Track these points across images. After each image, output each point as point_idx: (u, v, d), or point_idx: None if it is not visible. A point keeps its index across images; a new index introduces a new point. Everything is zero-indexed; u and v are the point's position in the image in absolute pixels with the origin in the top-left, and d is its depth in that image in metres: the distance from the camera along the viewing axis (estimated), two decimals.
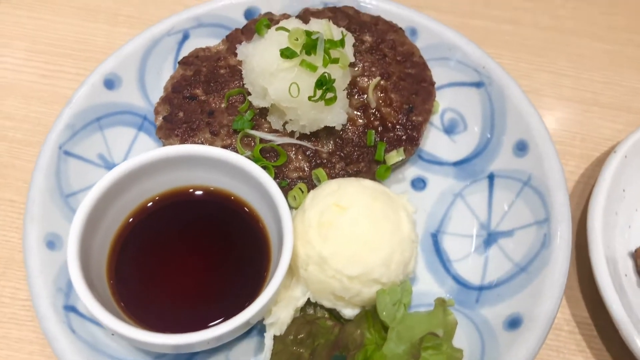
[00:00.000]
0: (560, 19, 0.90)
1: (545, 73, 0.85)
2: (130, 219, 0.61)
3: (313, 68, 0.61)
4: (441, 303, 0.57)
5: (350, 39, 0.66)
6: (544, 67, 0.85)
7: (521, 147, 0.69)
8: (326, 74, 0.61)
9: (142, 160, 0.59)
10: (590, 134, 0.79)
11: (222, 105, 0.68)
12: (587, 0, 0.92)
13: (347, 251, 0.57)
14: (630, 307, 0.63)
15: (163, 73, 0.74)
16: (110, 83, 0.71)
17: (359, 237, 0.58)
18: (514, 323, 0.59)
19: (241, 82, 0.68)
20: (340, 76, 0.64)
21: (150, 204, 0.62)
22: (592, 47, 0.87)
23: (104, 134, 0.70)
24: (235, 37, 0.72)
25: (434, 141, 0.74)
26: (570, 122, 0.80)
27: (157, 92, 0.72)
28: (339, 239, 0.58)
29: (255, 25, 0.68)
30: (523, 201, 0.67)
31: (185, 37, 0.76)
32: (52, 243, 0.61)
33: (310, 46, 0.61)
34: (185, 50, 0.74)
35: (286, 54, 0.61)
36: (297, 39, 0.62)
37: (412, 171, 0.72)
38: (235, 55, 0.70)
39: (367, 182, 0.62)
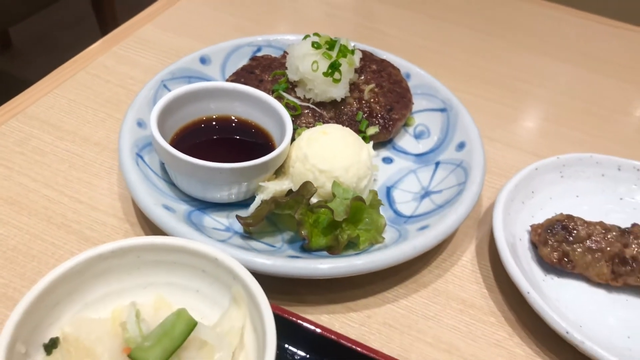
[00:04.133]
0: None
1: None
2: (192, 120, 0.95)
3: (329, 57, 0.97)
4: (374, 194, 0.85)
5: (358, 54, 1.03)
6: (508, 142, 1.17)
7: (461, 146, 0.99)
8: (337, 62, 0.97)
9: (206, 84, 0.94)
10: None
11: (269, 78, 1.04)
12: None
13: (322, 153, 0.87)
14: (515, 252, 0.86)
15: (239, 65, 1.12)
16: (203, 60, 1.10)
17: (331, 147, 0.88)
18: (422, 228, 0.85)
19: (285, 69, 1.04)
20: (346, 69, 0.99)
21: (214, 116, 0.96)
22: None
23: None
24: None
25: (405, 141, 1.06)
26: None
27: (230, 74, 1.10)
28: (319, 146, 0.88)
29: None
30: (454, 175, 0.95)
31: (259, 49, 1.15)
32: (140, 123, 0.95)
33: (331, 44, 0.98)
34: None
35: (315, 45, 0.98)
36: (324, 42, 0.99)
37: (385, 153, 1.04)
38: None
39: (348, 129, 0.94)
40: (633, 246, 0.85)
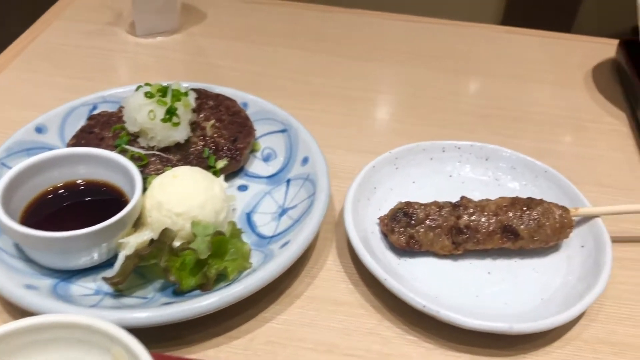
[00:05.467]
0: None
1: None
2: (38, 193, 0.94)
3: (164, 103, 1.01)
4: (233, 224, 0.91)
5: (192, 94, 1.08)
6: (348, 147, 1.27)
7: (305, 160, 1.07)
8: (173, 106, 1.01)
9: (44, 155, 0.94)
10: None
11: (110, 135, 1.06)
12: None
13: (175, 197, 0.90)
14: (369, 245, 0.96)
15: (78, 127, 1.12)
16: (39, 129, 1.08)
17: (183, 189, 0.91)
18: (284, 244, 0.92)
19: (124, 123, 1.06)
20: (183, 112, 1.03)
21: (60, 184, 0.96)
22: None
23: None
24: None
25: (255, 166, 1.12)
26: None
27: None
28: (171, 190, 0.91)
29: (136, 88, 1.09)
30: (304, 189, 1.03)
31: (95, 107, 1.16)
32: None
33: (163, 91, 1.02)
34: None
35: (147, 95, 1.01)
36: (157, 90, 1.03)
37: (239, 181, 1.09)
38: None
39: (197, 168, 0.98)
40: (464, 216, 0.97)
